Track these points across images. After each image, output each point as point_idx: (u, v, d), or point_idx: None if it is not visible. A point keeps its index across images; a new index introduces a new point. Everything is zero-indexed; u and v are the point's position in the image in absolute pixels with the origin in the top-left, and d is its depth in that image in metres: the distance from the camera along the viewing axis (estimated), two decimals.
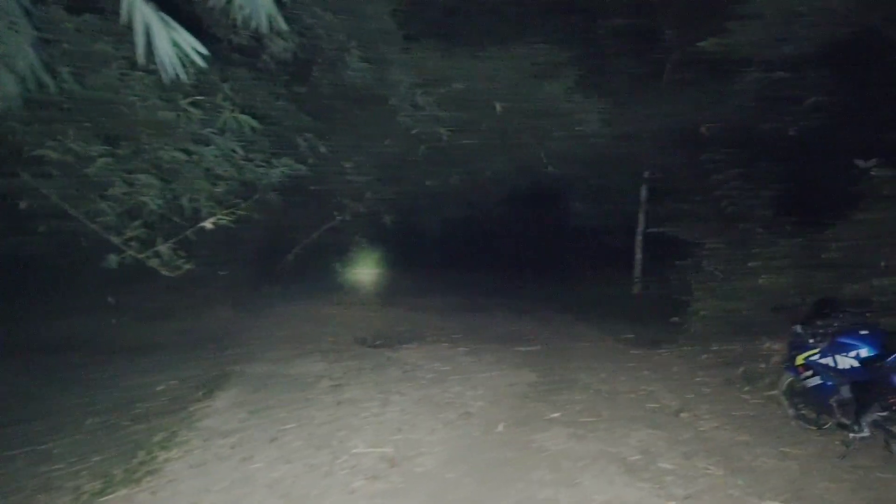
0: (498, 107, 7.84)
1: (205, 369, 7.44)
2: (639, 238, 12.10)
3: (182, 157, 5.28)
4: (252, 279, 11.99)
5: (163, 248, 5.36)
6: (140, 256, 5.28)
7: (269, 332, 9.61)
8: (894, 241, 5.48)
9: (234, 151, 5.68)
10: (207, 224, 5.17)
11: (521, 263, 18.25)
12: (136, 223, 5.13)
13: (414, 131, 7.63)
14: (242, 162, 5.88)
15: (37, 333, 8.81)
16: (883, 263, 5.56)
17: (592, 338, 9.09)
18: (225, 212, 5.58)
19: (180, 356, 8.18)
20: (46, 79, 3.69)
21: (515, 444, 4.52)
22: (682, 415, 5.18)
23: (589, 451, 4.35)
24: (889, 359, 3.85)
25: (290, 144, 7.20)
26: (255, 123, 5.56)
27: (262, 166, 6.29)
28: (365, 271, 16.28)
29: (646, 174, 11.59)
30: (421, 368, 7.08)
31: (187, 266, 5.65)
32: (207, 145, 5.46)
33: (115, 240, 5.11)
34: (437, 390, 6.07)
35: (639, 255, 12.10)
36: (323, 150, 7.45)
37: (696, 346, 7.33)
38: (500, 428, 4.85)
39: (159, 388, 6.67)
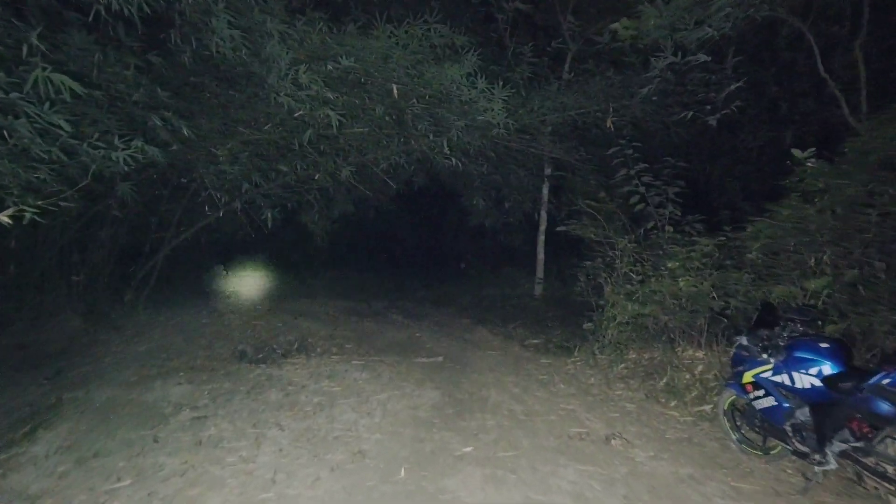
0: (394, 90, 6.84)
1: (39, 395, 6.00)
2: (541, 238, 11.51)
3: None
4: (111, 285, 10.30)
5: None
6: None
7: (127, 347, 8.14)
8: (826, 239, 5.03)
9: (57, 127, 4.34)
10: (2, 217, 3.82)
11: (418, 264, 17.39)
12: None
13: (297, 114, 6.48)
14: (72, 141, 4.55)
15: None
16: (812, 262, 5.10)
17: (497, 345, 8.32)
18: (42, 202, 4.23)
19: (11, 378, 6.65)
20: None
21: (421, 496, 3.55)
22: (613, 442, 4.43)
23: (513, 502, 3.47)
24: (870, 381, 3.22)
25: (141, 124, 5.86)
26: (76, 86, 4.24)
27: (101, 147, 4.95)
28: (245, 275, 14.81)
29: (548, 170, 11.01)
30: (306, 389, 5.98)
31: None
32: (17, 117, 4.11)
33: None
34: (325, 420, 5.00)
35: (541, 255, 11.51)
36: (187, 133, 6.14)
37: (611, 353, 6.69)
38: (402, 473, 3.85)
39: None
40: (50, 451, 4.44)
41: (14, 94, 4.05)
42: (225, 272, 14.36)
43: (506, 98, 7.52)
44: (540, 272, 11.52)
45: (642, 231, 7.43)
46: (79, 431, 4.90)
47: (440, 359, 7.42)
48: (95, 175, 5.14)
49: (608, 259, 7.36)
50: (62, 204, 4.52)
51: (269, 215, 8.30)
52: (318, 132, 7.23)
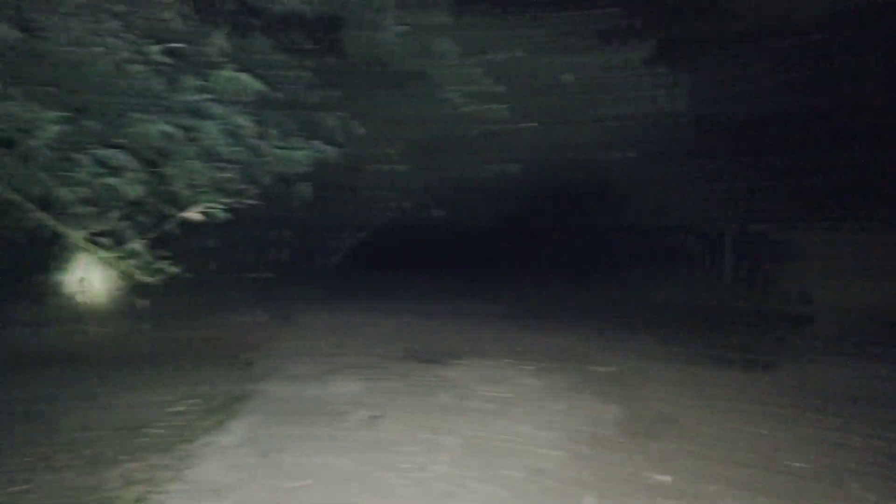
0: (565, 80, 6.40)
1: (227, 386, 6.28)
2: (728, 238, 10.39)
3: (175, 132, 4.11)
4: (286, 282, 10.86)
5: (138, 245, 4.19)
6: (109, 256, 4.12)
7: (305, 343, 8.44)
8: None
9: (242, 127, 4.46)
10: (193, 214, 3.94)
11: (582, 264, 16.65)
12: (112, 214, 3.93)
13: (464, 109, 6.27)
14: (254, 140, 4.67)
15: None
16: None
17: (677, 357, 7.52)
18: (228, 200, 4.36)
19: (199, 369, 7.07)
20: None
21: None
22: (852, 485, 3.62)
23: None
24: None
25: (313, 123, 5.95)
26: (259, 86, 4.33)
27: (283, 147, 5.06)
28: (409, 274, 15.07)
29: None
30: (478, 394, 5.72)
31: (173, 270, 4.46)
32: (206, 119, 4.27)
33: (76, 235, 3.99)
34: (499, 429, 4.67)
35: (728, 257, 10.40)
36: (361, 132, 6.18)
37: (825, 360, 5.68)
38: (588, 501, 3.40)
39: (171, 409, 5.53)
40: (237, 443, 4.53)
41: (205, 97, 4.19)
42: (390, 272, 14.72)
43: (684, 82, 6.77)
44: (727, 276, 10.41)
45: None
46: (264, 424, 4.99)
47: (614, 369, 6.83)
48: (278, 175, 5.29)
49: (814, 252, 6.32)
50: (248, 201, 4.64)
51: (436, 213, 8.21)
52: (486, 128, 6.98)
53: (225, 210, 4.23)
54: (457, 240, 15.25)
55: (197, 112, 4.28)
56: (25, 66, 3.63)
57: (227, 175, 4.57)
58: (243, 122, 4.42)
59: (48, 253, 5.35)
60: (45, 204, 4.10)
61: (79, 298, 7.42)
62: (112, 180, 4.07)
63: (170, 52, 4.06)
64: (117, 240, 4.31)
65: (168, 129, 4.04)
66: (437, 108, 7.02)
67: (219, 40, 4.22)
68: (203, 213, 4.01)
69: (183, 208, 4.07)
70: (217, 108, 4.27)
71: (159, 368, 6.81)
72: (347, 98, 6.35)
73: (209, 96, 4.17)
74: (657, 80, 6.73)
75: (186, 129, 4.20)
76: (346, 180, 8.53)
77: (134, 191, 4.10)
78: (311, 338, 8.79)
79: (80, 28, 3.62)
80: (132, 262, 4.35)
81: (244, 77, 4.21)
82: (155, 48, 4.10)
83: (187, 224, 4.07)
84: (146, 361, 7.11)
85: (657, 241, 13.65)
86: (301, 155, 5.20)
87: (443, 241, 16.04)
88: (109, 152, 4.00)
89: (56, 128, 3.68)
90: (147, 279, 4.43)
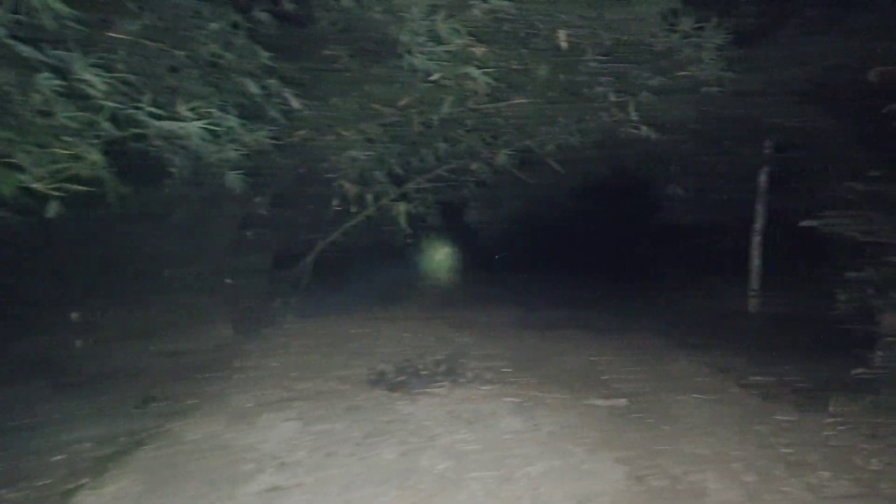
0: (562, 38, 4.93)
1: (136, 423, 4.97)
2: (756, 238, 8.79)
3: None
4: (263, 290, 9.53)
5: None
6: None
7: (263, 361, 7.13)
8: None
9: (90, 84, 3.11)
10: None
11: (600, 269, 15.06)
12: None
13: (434, 77, 4.84)
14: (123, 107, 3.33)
15: None
16: None
17: (706, 383, 5.97)
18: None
19: (121, 400, 5.78)
20: None
21: None
22: None
23: None
24: None
25: (240, 93, 4.58)
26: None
27: (164, 117, 3.70)
28: (404, 278, 13.66)
29: (768, 149, 8.19)
30: (433, 446, 4.28)
31: None
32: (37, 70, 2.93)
33: None
34: None
35: (756, 261, 8.79)
36: (298, 106, 4.81)
37: None
38: None
39: (51, 458, 4.23)
40: None
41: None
42: (380, 275, 13.32)
43: (720, 45, 5.24)
44: (755, 282, 8.79)
45: None
46: (140, 488, 3.66)
47: (624, 401, 5.33)
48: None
49: (888, 268, 4.77)
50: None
51: (403, 211, 6.75)
52: (464, 103, 5.55)
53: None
54: (460, 240, 13.88)
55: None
56: None
57: (72, 149, 3.23)
58: (88, 75, 3.08)
59: None
60: None
61: None
62: None
63: None
64: None
65: None
66: (406, 80, 5.61)
67: None
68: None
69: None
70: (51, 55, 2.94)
71: (82, 395, 5.55)
72: (299, 70, 4.99)
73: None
74: (681, 38, 5.21)
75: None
76: (297, 171, 7.13)
77: None
78: (280, 355, 7.47)
79: None
80: None
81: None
82: None
83: None
84: (73, 387, 5.87)
85: (689, 241, 12.03)
86: (191, 127, 3.80)
87: (444, 243, 14.69)
88: None
89: None
90: None
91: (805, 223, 5.19)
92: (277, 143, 5.05)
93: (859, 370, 4.56)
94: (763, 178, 8.67)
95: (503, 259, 15.18)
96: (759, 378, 6.04)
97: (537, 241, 15.53)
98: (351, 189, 6.36)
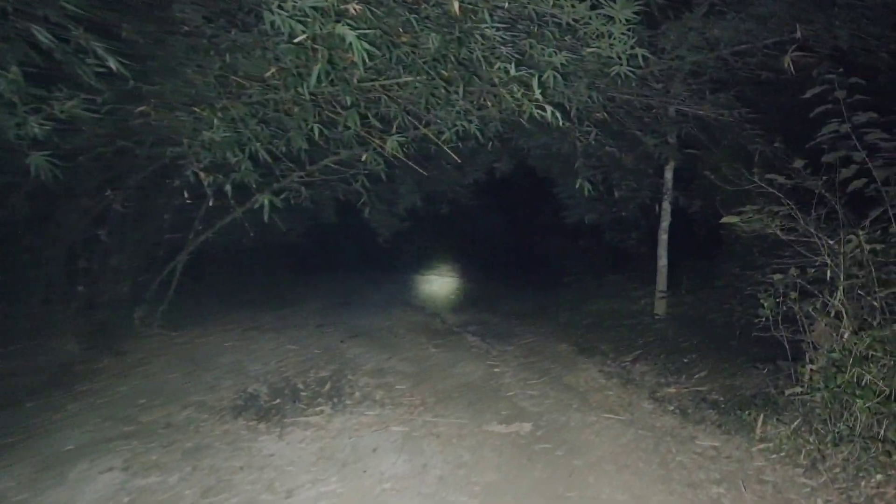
0: (455, 4, 4.07)
1: None
2: (663, 236, 8.35)
3: None
4: (124, 298, 8.15)
5: None
6: None
7: (111, 385, 5.88)
8: None
9: None
10: None
11: (505, 269, 14.47)
12: None
13: (298, 39, 3.84)
14: None
15: None
16: None
17: (615, 399, 5.30)
18: None
19: None
20: None
21: None
22: None
23: None
24: None
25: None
26: None
27: None
28: (300, 281, 12.48)
29: (673, 138, 7.61)
30: None
31: None
32: None
33: None
34: None
35: (663, 261, 8.34)
36: (115, 67, 3.68)
37: (853, 452, 3.51)
38: None
39: None
40: None
41: None
42: (277, 277, 12.08)
43: (632, 19, 4.55)
44: (662, 283, 8.34)
45: (867, 222, 4.26)
46: None
47: (528, 426, 4.56)
48: None
49: (815, 269, 4.24)
50: None
51: (266, 202, 5.68)
52: (341, 77, 4.59)
53: None
54: (359, 243, 12.91)
55: None
56: None
57: None
58: None
59: None
60: None
61: None
62: None
63: None
64: None
65: None
66: (271, 47, 4.59)
67: None
68: None
69: None
70: None
71: None
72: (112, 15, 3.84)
73: None
74: (588, 8, 4.52)
75: None
76: (141, 154, 5.89)
77: None
78: (134, 376, 6.22)
79: None
80: None
81: None
82: None
83: None
84: None
85: (594, 239, 11.58)
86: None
87: (341, 243, 13.65)
88: None
89: None
90: None
91: (726, 219, 4.60)
92: (111, 121, 3.89)
93: (793, 391, 3.97)
94: (669, 173, 8.24)
95: (402, 259, 14.36)
96: (672, 390, 5.46)
97: (436, 240, 14.80)
98: (206, 178, 5.20)
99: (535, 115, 4.43)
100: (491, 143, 7.14)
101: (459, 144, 6.39)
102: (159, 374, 6.26)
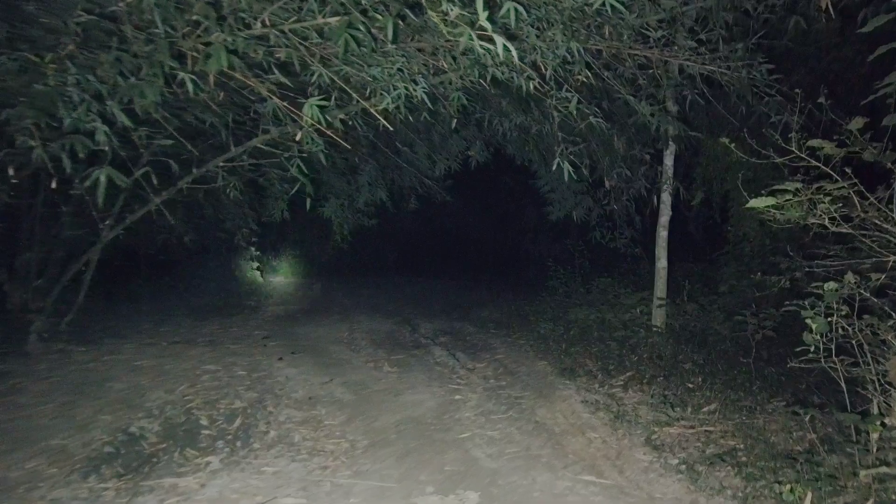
0: None
1: None
2: (662, 233, 6.93)
3: None
4: (17, 304, 6.76)
5: None
6: None
7: None
8: None
9: None
10: None
11: (484, 272, 13.14)
12: None
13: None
14: None
15: None
16: None
17: (602, 444, 3.93)
18: None
19: None
20: None
21: None
22: None
23: None
24: None
25: None
26: None
27: None
28: (228, 285, 11.05)
29: (674, 107, 6.18)
30: None
31: None
32: None
33: None
34: None
35: (663, 262, 6.90)
36: None
37: None
38: None
39: None
40: None
41: None
42: (209, 285, 10.62)
43: None
44: (661, 288, 6.93)
45: None
46: None
47: (474, 498, 3.17)
48: None
49: (885, 275, 2.88)
50: None
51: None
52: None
53: None
54: (320, 241, 11.56)
55: None
56: None
57: None
58: None
59: None
60: None
61: None
62: None
63: None
64: None
65: None
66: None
67: None
68: None
69: None
70: None
71: None
72: None
73: None
74: None
75: None
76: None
77: None
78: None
79: None
80: None
81: None
82: None
83: None
84: None
85: (580, 238, 10.22)
86: None
87: (299, 240, 12.32)
88: None
89: None
90: None
91: (753, 203, 3.22)
92: None
93: (867, 472, 2.60)
94: (669, 159, 6.86)
95: (378, 260, 13.01)
96: (674, 430, 4.09)
97: (410, 240, 13.48)
98: (35, 147, 3.72)
99: (478, 49, 3.04)
100: (456, 121, 5.79)
101: (410, 118, 5.02)
102: (28, 405, 4.85)
